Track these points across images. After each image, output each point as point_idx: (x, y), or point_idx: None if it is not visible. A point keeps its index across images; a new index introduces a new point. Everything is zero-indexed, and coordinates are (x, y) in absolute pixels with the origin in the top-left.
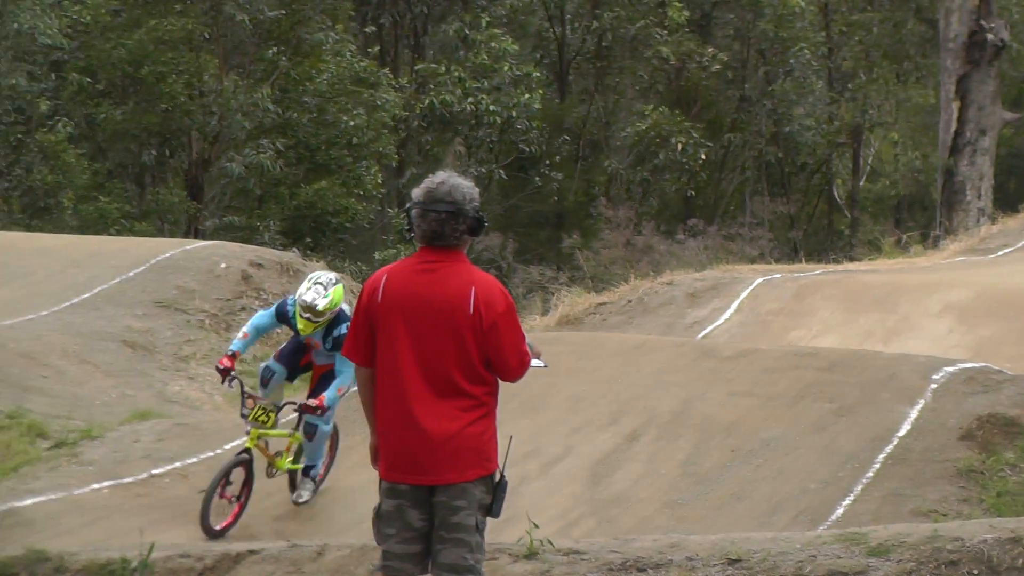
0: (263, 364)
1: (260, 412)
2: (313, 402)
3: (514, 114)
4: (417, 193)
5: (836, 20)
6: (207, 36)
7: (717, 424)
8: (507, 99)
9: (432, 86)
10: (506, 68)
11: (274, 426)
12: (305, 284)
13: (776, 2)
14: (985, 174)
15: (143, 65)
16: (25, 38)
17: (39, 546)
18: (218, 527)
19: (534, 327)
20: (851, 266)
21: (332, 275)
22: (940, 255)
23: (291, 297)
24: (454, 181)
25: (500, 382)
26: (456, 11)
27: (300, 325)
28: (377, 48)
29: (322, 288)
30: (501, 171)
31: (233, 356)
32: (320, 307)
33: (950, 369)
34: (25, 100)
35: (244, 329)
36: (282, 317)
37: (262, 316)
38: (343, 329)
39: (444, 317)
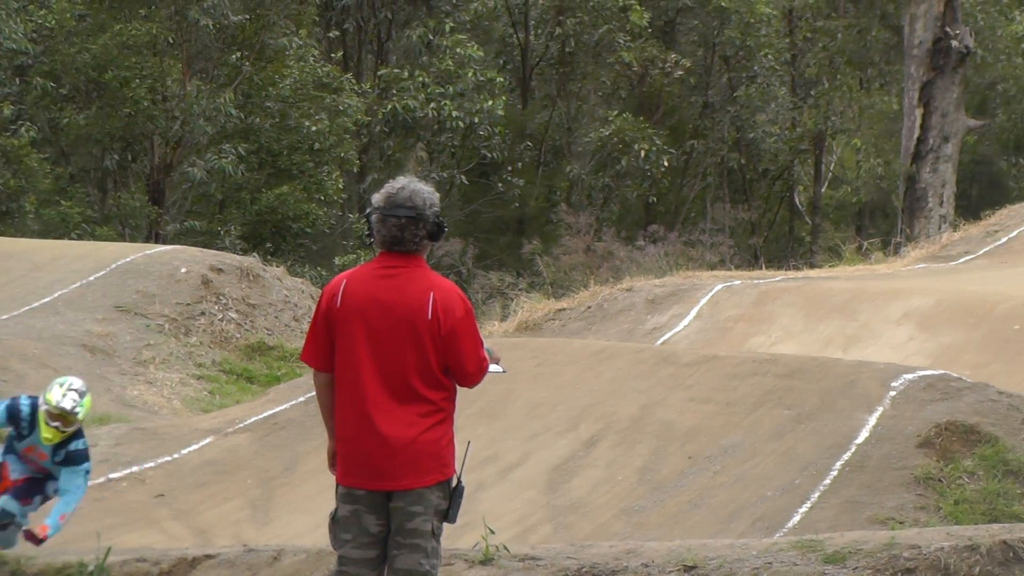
0: None
1: None
2: (38, 532)
3: (477, 120)
4: (377, 198)
5: (801, 26)
6: (171, 41)
7: (676, 431)
8: (470, 105)
9: (395, 91)
10: (470, 74)
11: None
12: (58, 389)
13: (743, 9)
14: (948, 181)
15: (107, 70)
16: None
17: None
18: None
19: (493, 333)
20: (812, 273)
21: (83, 382)
22: (901, 262)
23: (24, 398)
24: (414, 186)
25: (458, 388)
26: (420, 16)
27: (46, 433)
28: (340, 53)
29: (77, 396)
30: (463, 177)
31: None
32: (80, 416)
33: (909, 376)
34: None
35: None
36: (13, 419)
37: None
38: (80, 444)
39: (403, 322)
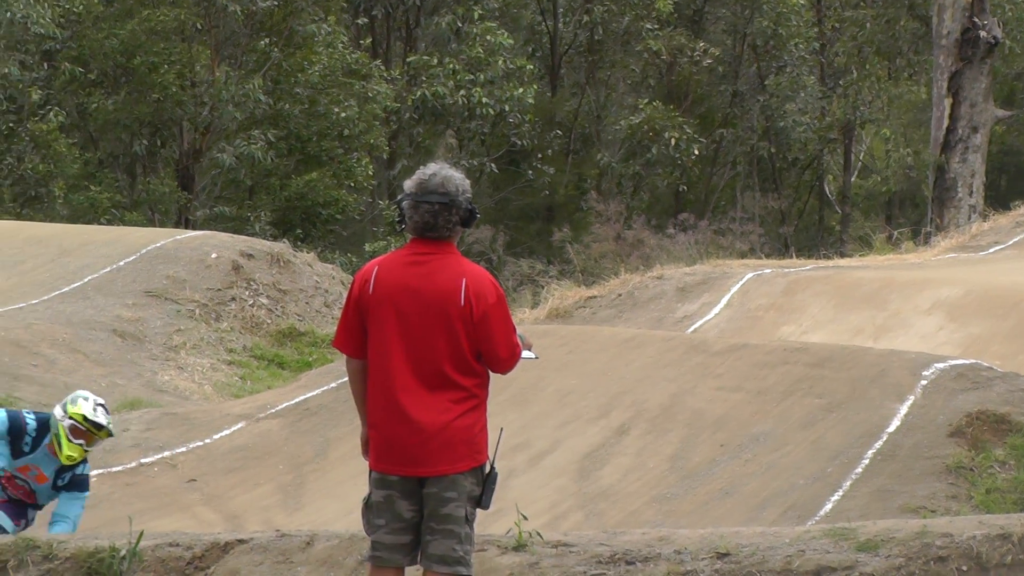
0: None
1: None
2: None
3: (507, 107)
4: (409, 184)
5: (829, 16)
6: (199, 27)
7: (706, 418)
8: (500, 92)
9: (424, 78)
10: (500, 62)
11: None
12: (85, 403)
13: (775, 0)
14: (977, 171)
15: (135, 55)
16: (18, 27)
17: (28, 533)
18: None
19: (524, 320)
20: (842, 262)
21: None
22: (931, 252)
23: (28, 412)
24: (446, 172)
25: (491, 374)
26: (449, 3)
27: (70, 451)
28: (369, 40)
29: (105, 412)
30: (492, 164)
31: None
32: (112, 433)
33: (940, 366)
34: (17, 89)
35: None
36: (14, 433)
37: None
38: (86, 469)
39: (435, 309)
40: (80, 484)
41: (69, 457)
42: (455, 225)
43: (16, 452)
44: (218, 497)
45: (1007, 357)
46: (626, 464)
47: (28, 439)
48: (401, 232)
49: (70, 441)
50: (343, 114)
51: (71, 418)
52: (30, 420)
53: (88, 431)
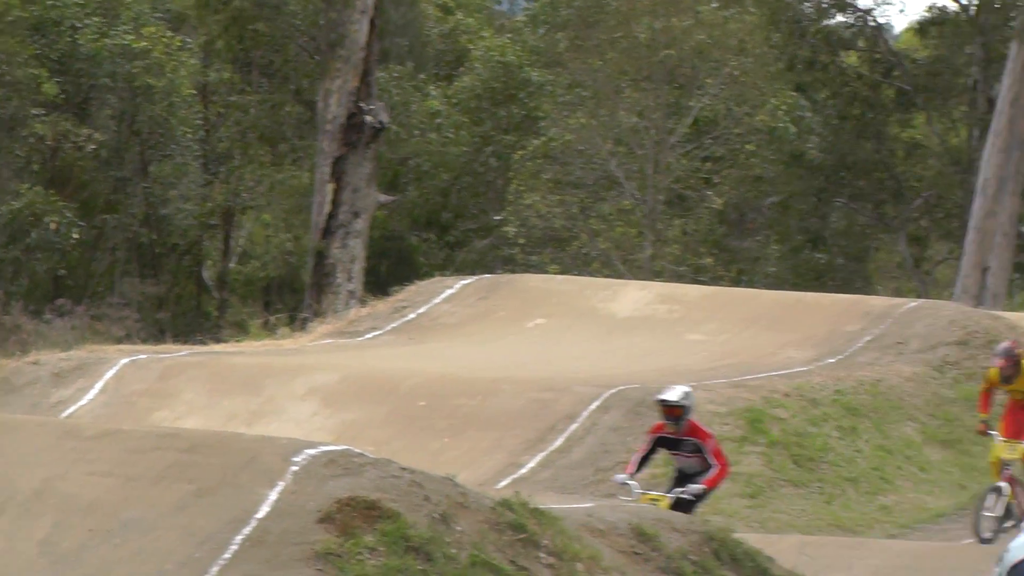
0: None
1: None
2: None
3: None
4: None
5: (215, 102)
6: None
7: (77, 504)
8: None
9: None
10: None
11: None
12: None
13: (167, 89)
14: (357, 256)
15: None
16: None
17: None
18: None
19: None
20: (218, 348)
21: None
22: (308, 338)
23: None
24: None
25: None
26: None
27: None
28: None
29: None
30: None
31: None
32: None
33: (311, 452)
34: None
35: None
36: None
37: None
38: None
39: None
40: None
41: None
42: None
43: None
44: None
45: (382, 443)
46: None
47: None
48: None
49: None
50: None
51: None
52: None
53: None
